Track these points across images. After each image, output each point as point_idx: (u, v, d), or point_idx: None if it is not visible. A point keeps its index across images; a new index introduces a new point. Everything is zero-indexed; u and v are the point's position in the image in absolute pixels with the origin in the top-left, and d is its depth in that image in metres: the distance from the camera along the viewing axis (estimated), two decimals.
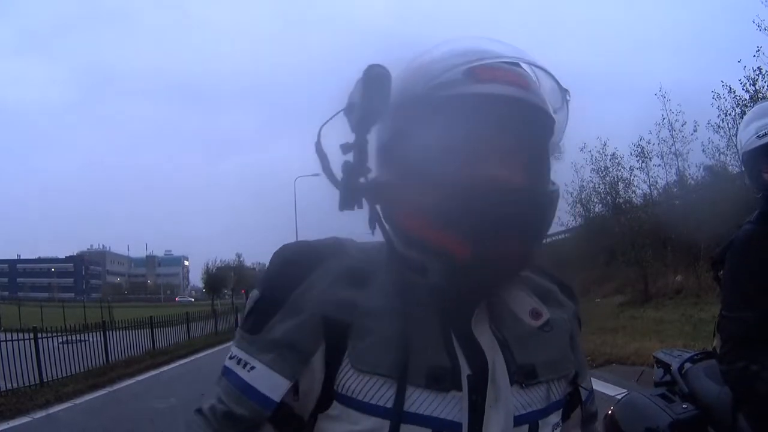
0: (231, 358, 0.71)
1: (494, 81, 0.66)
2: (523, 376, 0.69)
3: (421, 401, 0.65)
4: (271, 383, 0.67)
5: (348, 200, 0.71)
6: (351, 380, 0.66)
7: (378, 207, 0.73)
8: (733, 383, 1.46)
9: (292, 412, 0.70)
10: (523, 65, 0.69)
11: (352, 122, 0.70)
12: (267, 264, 0.74)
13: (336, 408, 0.67)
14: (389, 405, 0.64)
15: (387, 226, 0.73)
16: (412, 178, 0.67)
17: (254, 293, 0.72)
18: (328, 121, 0.73)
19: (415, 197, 0.66)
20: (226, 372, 0.71)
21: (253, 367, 0.68)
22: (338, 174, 0.71)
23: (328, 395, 0.68)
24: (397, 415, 0.64)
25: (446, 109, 0.66)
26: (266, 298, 0.70)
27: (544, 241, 0.72)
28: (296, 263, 0.70)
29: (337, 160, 0.72)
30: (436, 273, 0.69)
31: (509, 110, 0.66)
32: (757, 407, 1.41)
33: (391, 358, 0.65)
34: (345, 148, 0.71)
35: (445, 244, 0.65)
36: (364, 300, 0.68)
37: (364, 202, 0.72)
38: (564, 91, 0.72)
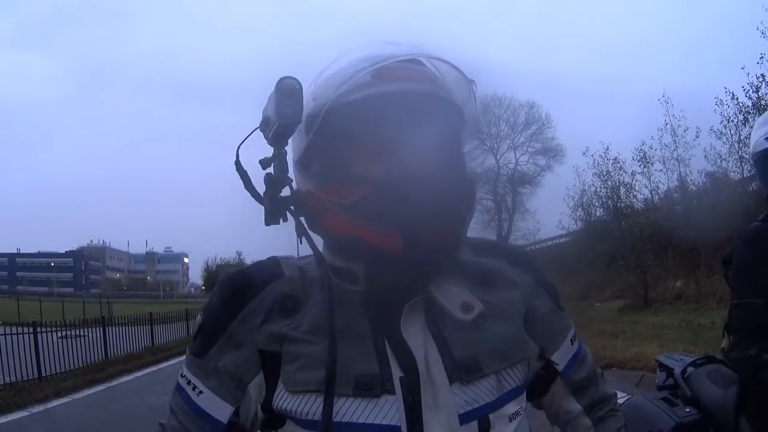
0: (182, 376, 0.76)
1: (399, 79, 0.69)
2: (463, 372, 0.68)
3: (352, 410, 0.66)
4: (217, 407, 0.73)
5: (273, 214, 0.74)
6: (286, 402, 0.69)
7: (302, 219, 0.75)
8: (743, 372, 1.46)
9: (240, 427, 0.74)
10: (434, 61, 0.73)
11: (268, 136, 0.73)
12: (214, 289, 0.79)
13: (290, 425, 0.70)
14: (319, 418, 0.66)
15: (314, 238, 0.76)
16: (334, 183, 0.70)
17: (199, 318, 0.78)
18: (245, 139, 0.77)
19: (339, 200, 0.68)
20: (179, 390, 0.76)
21: (201, 391, 0.74)
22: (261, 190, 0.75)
23: (276, 414, 0.72)
24: (324, 427, 0.65)
25: (357, 111, 0.68)
26: (207, 326, 0.75)
27: (467, 227, 0.73)
28: (233, 295, 0.75)
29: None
30: (362, 276, 0.72)
31: (417, 104, 0.69)
32: (763, 398, 1.40)
33: (319, 374, 0.67)
34: (264, 163, 0.75)
35: (375, 238, 0.66)
36: (294, 326, 0.71)
37: (289, 215, 0.75)
38: (470, 82, 0.74)
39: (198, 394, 0.73)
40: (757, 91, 13.10)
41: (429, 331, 0.70)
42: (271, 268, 0.77)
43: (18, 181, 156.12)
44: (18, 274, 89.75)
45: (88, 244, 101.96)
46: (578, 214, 20.01)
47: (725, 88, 14.00)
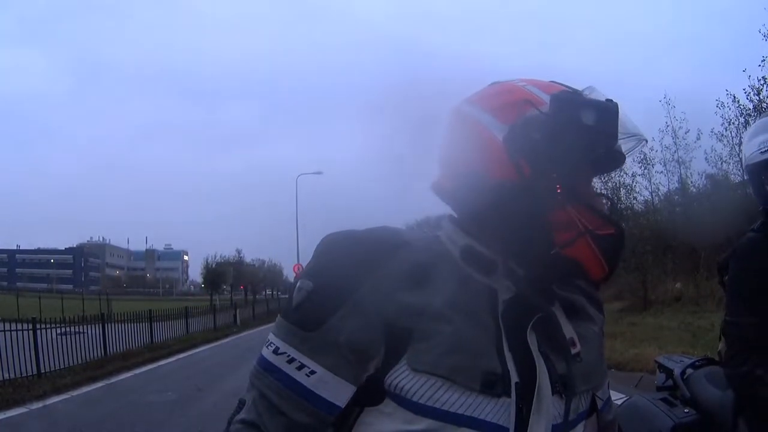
0: (278, 353, 0.67)
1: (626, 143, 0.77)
2: (562, 386, 0.71)
3: (475, 405, 0.66)
4: (335, 389, 0.66)
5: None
6: (405, 380, 0.65)
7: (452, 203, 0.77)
8: (738, 386, 1.47)
9: (348, 409, 0.69)
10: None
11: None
12: (317, 252, 0.71)
13: (389, 405, 0.67)
14: (446, 408, 0.65)
15: (446, 220, 0.77)
16: (591, 212, 0.72)
17: (306, 284, 0.68)
18: None
19: (594, 227, 0.70)
20: (273, 369, 0.68)
21: (312, 371, 0.66)
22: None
23: (378, 391, 0.67)
24: (455, 417, 0.65)
25: (616, 160, 0.79)
26: (322, 293, 0.67)
27: None
28: (356, 258, 0.68)
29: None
30: (505, 274, 0.72)
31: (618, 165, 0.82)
32: (759, 412, 1.41)
33: (452, 361, 0.65)
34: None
35: (593, 268, 0.70)
36: (427, 302, 0.67)
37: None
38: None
39: (308, 375, 0.65)
40: (758, 94, 13.12)
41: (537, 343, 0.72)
42: (393, 234, 0.72)
43: (18, 177, 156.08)
44: (17, 270, 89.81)
45: (87, 241, 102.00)
46: None
47: (726, 90, 14.02)
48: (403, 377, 0.65)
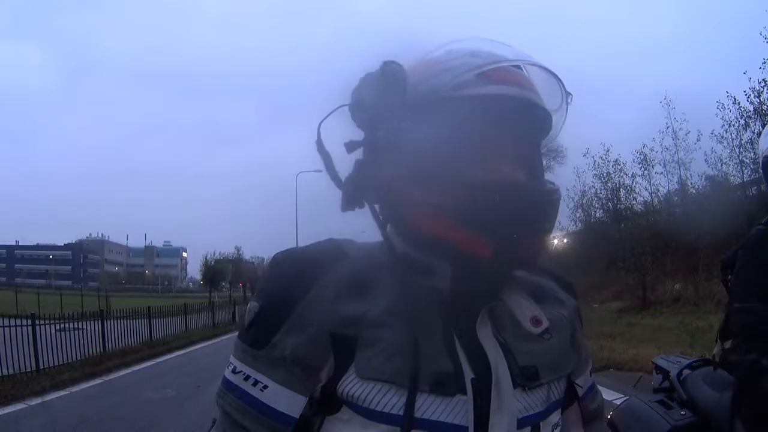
0: (235, 372, 0.70)
1: (505, 83, 0.67)
2: (525, 378, 0.69)
3: (427, 406, 0.65)
4: (288, 401, 0.68)
5: (351, 200, 0.72)
6: (355, 387, 0.66)
7: (377, 207, 0.73)
8: (741, 375, 1.47)
9: (306, 419, 0.70)
10: (529, 67, 0.71)
11: (361, 119, 0.70)
12: (264, 273, 0.74)
13: (346, 412, 0.67)
14: (396, 411, 0.64)
15: (388, 227, 0.74)
16: (434, 181, 0.66)
17: (253, 305, 0.71)
18: (327, 116, 0.73)
19: (438, 200, 0.66)
20: (233, 388, 0.70)
21: (265, 386, 0.68)
22: (341, 173, 0.73)
23: (335, 399, 0.68)
24: (408, 422, 0.64)
25: (462, 109, 0.66)
26: (267, 312, 0.69)
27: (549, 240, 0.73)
28: (296, 275, 0.70)
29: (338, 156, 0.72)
30: (444, 275, 0.70)
31: (522, 111, 0.68)
32: (759, 402, 1.41)
33: (396, 365, 0.65)
34: (350, 146, 0.72)
35: (466, 243, 0.65)
36: (368, 310, 0.67)
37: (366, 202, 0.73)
38: (567, 95, 0.73)
39: (262, 390, 0.68)
40: (758, 96, 13.15)
41: (494, 336, 0.70)
42: (332, 247, 0.73)
43: (18, 173, 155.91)
44: (16, 266, 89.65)
45: (87, 237, 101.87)
46: (578, 215, 20.04)
47: (727, 92, 14.06)
48: (352, 385, 0.66)
